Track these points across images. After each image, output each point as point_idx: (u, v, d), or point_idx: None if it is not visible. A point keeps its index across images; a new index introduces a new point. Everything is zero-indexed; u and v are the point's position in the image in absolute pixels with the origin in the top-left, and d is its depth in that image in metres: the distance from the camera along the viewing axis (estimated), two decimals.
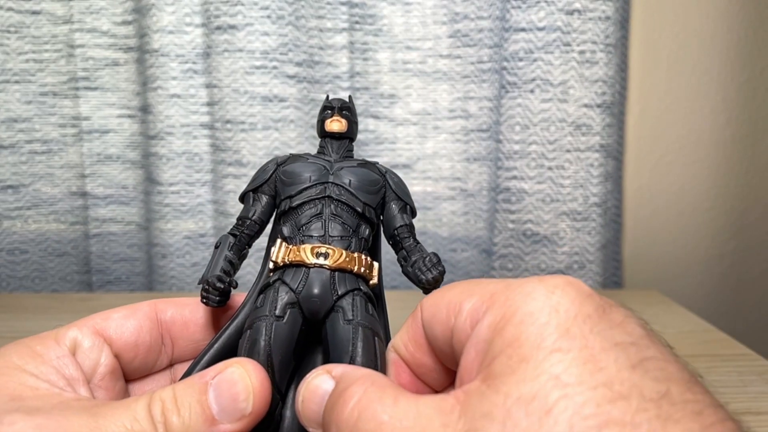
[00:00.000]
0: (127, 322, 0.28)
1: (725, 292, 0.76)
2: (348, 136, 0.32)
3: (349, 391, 0.21)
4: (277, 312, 0.26)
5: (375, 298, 0.28)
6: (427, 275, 0.28)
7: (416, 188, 0.71)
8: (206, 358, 0.27)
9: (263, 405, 0.23)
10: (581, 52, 0.63)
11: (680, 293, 0.74)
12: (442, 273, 0.28)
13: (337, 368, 0.23)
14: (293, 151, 0.70)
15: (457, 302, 0.22)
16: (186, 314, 0.29)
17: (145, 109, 0.68)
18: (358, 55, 0.69)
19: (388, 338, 0.28)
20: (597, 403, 0.16)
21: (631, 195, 0.74)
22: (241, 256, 0.29)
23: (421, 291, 0.29)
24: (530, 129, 0.65)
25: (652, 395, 0.16)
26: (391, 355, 0.26)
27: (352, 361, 0.25)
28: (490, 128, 0.68)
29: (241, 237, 0.29)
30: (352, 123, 0.32)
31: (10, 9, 0.68)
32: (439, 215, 0.72)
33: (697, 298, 0.75)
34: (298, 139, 0.67)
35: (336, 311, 0.26)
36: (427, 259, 0.29)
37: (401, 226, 0.30)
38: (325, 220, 0.28)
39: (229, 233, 0.29)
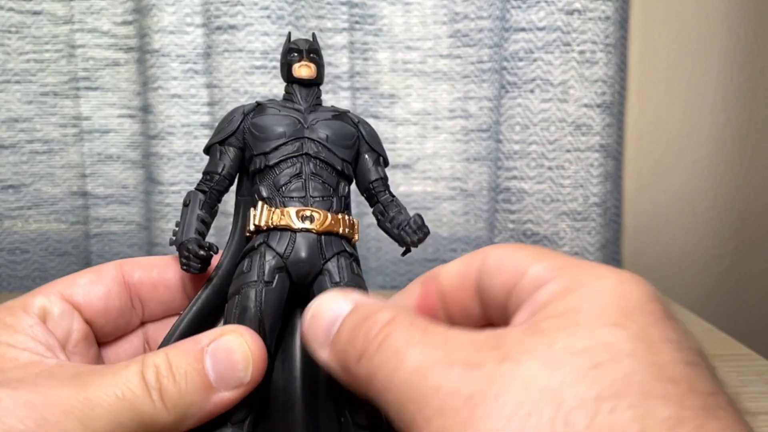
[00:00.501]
0: (94, 288, 0.27)
1: (725, 292, 0.76)
2: (316, 82, 0.30)
3: (376, 316, 0.20)
4: (266, 277, 0.26)
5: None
6: (413, 237, 0.28)
7: (416, 188, 0.71)
8: (185, 322, 0.26)
9: (261, 372, 0.23)
10: (581, 52, 0.63)
11: (680, 293, 0.75)
12: (426, 235, 0.28)
13: (353, 293, 0.23)
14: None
15: (524, 265, 0.21)
16: (154, 276, 0.28)
17: (145, 109, 0.68)
18: (358, 55, 0.69)
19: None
20: (646, 376, 0.16)
21: (631, 195, 0.74)
22: (212, 213, 0.28)
23: (400, 245, 0.29)
24: (530, 129, 0.65)
25: (701, 389, 0.16)
26: (416, 288, 0.24)
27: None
28: (490, 128, 0.68)
29: (211, 193, 0.28)
30: (320, 66, 0.30)
31: (11, 9, 0.68)
32: (439, 215, 0.72)
33: (697, 298, 0.75)
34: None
35: (323, 274, 0.26)
36: (413, 221, 0.28)
37: (376, 179, 0.29)
38: (305, 180, 0.27)
39: (197, 189, 0.28)
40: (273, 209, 0.27)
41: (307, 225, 0.26)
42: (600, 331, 0.17)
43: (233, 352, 0.22)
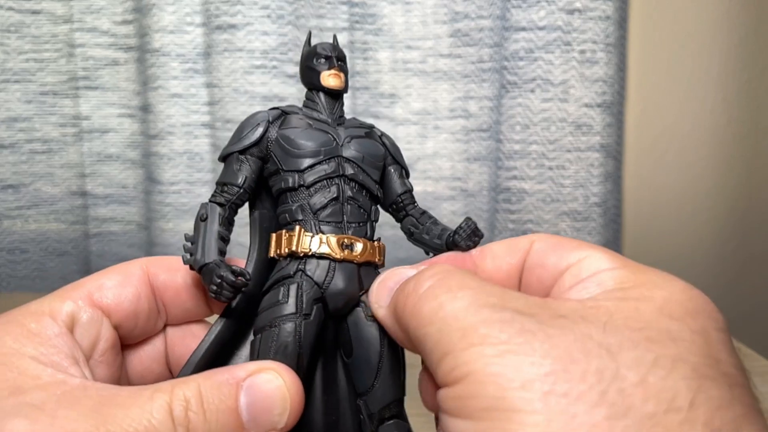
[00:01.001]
0: (124, 290, 0.26)
1: (725, 292, 0.75)
2: (344, 92, 0.28)
3: (435, 267, 0.21)
4: (305, 310, 0.24)
5: None
6: (468, 242, 0.26)
7: (417, 188, 0.71)
8: (207, 346, 0.25)
9: (296, 418, 0.22)
10: (582, 52, 0.63)
11: None
12: (481, 238, 0.26)
13: (422, 265, 0.23)
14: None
15: (584, 249, 0.22)
16: (178, 281, 0.27)
17: (145, 108, 0.68)
18: (359, 54, 0.69)
19: None
20: (702, 361, 0.17)
21: (631, 195, 0.74)
22: (230, 229, 0.26)
23: (430, 249, 0.27)
24: (531, 129, 0.65)
25: (748, 392, 0.17)
26: (447, 259, 0.26)
27: (381, 360, 0.24)
28: (491, 128, 0.68)
29: (230, 207, 0.26)
30: (347, 75, 0.28)
31: (10, 8, 0.68)
32: (440, 215, 0.72)
33: None
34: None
35: (359, 306, 0.25)
36: (465, 225, 0.26)
37: (404, 192, 0.28)
38: (342, 204, 0.25)
39: (214, 202, 0.26)
40: (311, 234, 0.25)
41: (347, 255, 0.25)
42: (662, 319, 0.18)
43: (271, 394, 0.21)
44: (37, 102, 0.70)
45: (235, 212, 0.26)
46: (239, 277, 0.24)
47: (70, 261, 0.73)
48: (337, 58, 0.28)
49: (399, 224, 0.29)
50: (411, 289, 0.21)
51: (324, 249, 0.25)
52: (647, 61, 0.71)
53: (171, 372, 0.28)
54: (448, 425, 0.19)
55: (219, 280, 0.24)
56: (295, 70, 0.66)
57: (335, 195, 0.25)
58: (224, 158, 0.27)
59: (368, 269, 0.26)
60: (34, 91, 0.70)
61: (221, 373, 0.21)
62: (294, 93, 0.66)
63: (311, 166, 0.25)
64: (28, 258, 0.72)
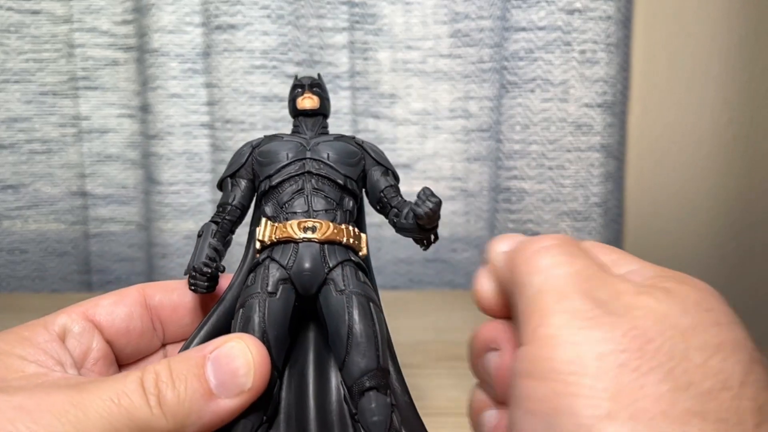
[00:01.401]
0: (117, 308, 0.27)
1: (726, 292, 0.75)
2: (321, 113, 0.31)
3: (552, 235, 0.22)
4: (270, 288, 0.25)
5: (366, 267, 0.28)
6: (423, 207, 0.27)
7: (417, 188, 0.71)
8: (195, 342, 0.26)
9: (263, 380, 0.23)
10: (582, 52, 0.63)
11: None
12: (439, 204, 0.27)
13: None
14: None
15: (612, 263, 0.23)
16: (174, 298, 0.29)
17: (144, 108, 0.68)
18: (359, 54, 0.69)
19: (380, 305, 0.27)
20: (754, 349, 0.19)
21: (632, 195, 0.74)
22: (226, 242, 0.29)
23: (416, 236, 0.28)
24: (531, 129, 0.65)
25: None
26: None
27: (350, 330, 0.25)
28: (491, 128, 0.68)
29: (224, 223, 0.29)
30: (324, 99, 0.31)
31: (10, 8, 0.68)
32: (440, 215, 0.72)
33: None
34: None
35: (327, 284, 0.26)
36: (421, 192, 0.27)
37: (386, 187, 0.29)
38: (307, 195, 0.28)
39: (210, 221, 0.29)
40: (276, 224, 0.27)
41: (309, 235, 0.26)
42: (722, 304, 0.20)
43: (235, 357, 0.22)
44: (36, 102, 0.70)
45: (231, 229, 0.29)
46: (210, 267, 0.27)
47: (70, 261, 0.73)
48: (311, 85, 0.31)
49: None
50: (534, 242, 0.22)
51: (286, 234, 0.26)
52: (648, 61, 0.71)
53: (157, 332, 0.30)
54: (519, 387, 0.19)
55: (193, 272, 0.27)
56: (296, 70, 0.66)
57: (299, 188, 0.28)
58: (220, 185, 0.30)
59: (333, 247, 0.27)
60: (34, 91, 0.70)
61: (191, 350, 0.23)
62: None
63: (278, 170, 0.28)
64: (27, 258, 0.72)
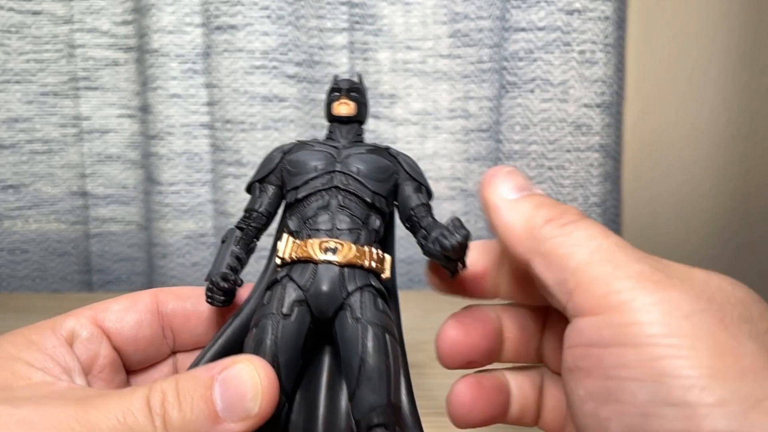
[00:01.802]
0: (127, 315, 0.27)
1: None
2: (357, 120, 0.30)
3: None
4: (284, 310, 0.25)
5: (387, 292, 0.27)
6: (451, 240, 0.25)
7: None
8: (209, 354, 0.25)
9: (270, 406, 0.22)
10: (581, 52, 0.63)
11: None
12: (467, 237, 0.25)
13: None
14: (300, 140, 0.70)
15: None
16: (188, 307, 0.28)
17: (145, 109, 0.68)
18: (358, 54, 0.69)
19: (400, 335, 0.27)
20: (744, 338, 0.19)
21: (630, 195, 0.74)
22: (249, 250, 0.28)
23: (442, 263, 0.26)
24: (530, 129, 0.65)
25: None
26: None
27: (362, 362, 0.24)
28: (490, 128, 0.68)
29: (248, 230, 0.28)
30: (362, 105, 0.30)
31: (11, 9, 0.68)
32: (440, 215, 0.71)
33: None
34: (298, 139, 0.67)
35: (344, 309, 0.25)
36: (450, 224, 0.26)
37: (417, 205, 0.28)
38: (332, 212, 0.26)
39: (235, 226, 0.28)
40: (297, 241, 0.26)
41: (329, 257, 0.25)
42: (750, 290, 0.21)
43: (243, 381, 0.22)
44: (37, 102, 0.70)
45: (256, 235, 0.28)
46: (228, 282, 0.26)
47: (71, 261, 0.73)
48: (348, 90, 0.30)
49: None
50: (561, 211, 0.22)
51: (306, 253, 0.25)
52: (646, 61, 0.71)
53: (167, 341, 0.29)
54: (600, 358, 0.19)
55: (210, 285, 0.26)
56: (296, 70, 0.66)
57: (324, 204, 0.27)
58: (248, 188, 0.29)
59: (353, 271, 0.26)
60: (35, 91, 0.70)
61: (199, 369, 0.22)
62: (294, 93, 0.66)
63: (306, 182, 0.27)
64: (28, 258, 0.72)
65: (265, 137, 0.66)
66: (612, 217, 0.70)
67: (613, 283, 0.19)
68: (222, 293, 0.26)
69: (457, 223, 0.26)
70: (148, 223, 0.71)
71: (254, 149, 0.66)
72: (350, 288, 0.25)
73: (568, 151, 0.65)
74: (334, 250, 0.25)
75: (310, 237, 0.26)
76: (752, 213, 0.74)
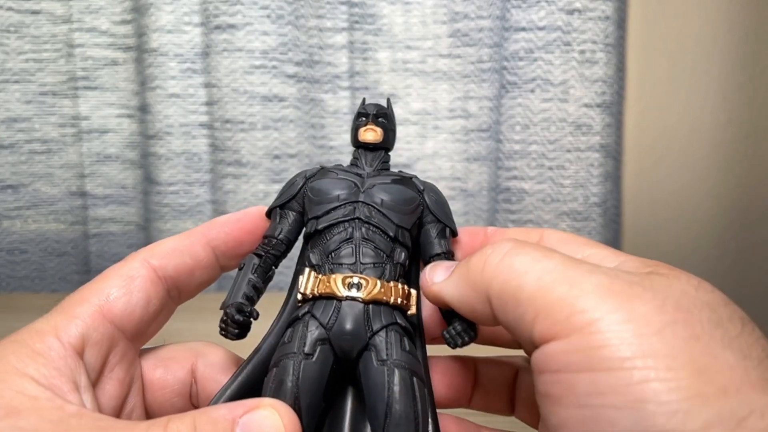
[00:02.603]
0: (132, 297, 0.25)
1: (726, 292, 0.75)
2: (383, 147, 0.29)
3: (500, 241, 0.22)
4: (306, 349, 0.23)
5: (413, 327, 0.26)
6: (456, 341, 0.25)
7: None
8: (228, 393, 0.24)
9: None
10: (581, 52, 0.63)
11: None
12: (473, 340, 0.25)
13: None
14: (292, 151, 0.70)
15: (584, 252, 0.23)
16: (188, 261, 0.27)
17: (143, 108, 0.68)
18: (358, 54, 0.69)
19: (427, 373, 0.25)
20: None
21: (631, 195, 0.74)
22: (267, 278, 0.27)
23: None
24: (530, 129, 0.65)
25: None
26: (464, 237, 0.28)
27: (388, 408, 0.23)
28: (491, 128, 0.68)
29: (267, 257, 0.27)
30: (389, 131, 0.29)
31: (9, 9, 0.68)
32: None
33: None
34: (297, 138, 0.67)
35: (369, 350, 0.24)
36: (458, 325, 0.25)
37: (438, 254, 0.27)
38: (355, 246, 0.25)
39: (253, 253, 0.27)
40: (320, 276, 0.25)
41: (353, 293, 0.24)
42: (715, 289, 0.20)
43: (266, 428, 0.20)
44: (36, 102, 0.70)
45: (275, 263, 0.27)
46: (243, 314, 0.25)
47: (70, 261, 0.73)
48: (375, 115, 0.29)
49: None
50: (489, 251, 0.21)
51: (328, 289, 0.24)
52: (647, 61, 0.71)
53: (194, 406, 0.28)
54: (573, 384, 0.18)
55: (225, 317, 0.25)
56: (296, 69, 0.66)
57: (347, 237, 0.26)
58: (269, 213, 0.28)
59: (378, 308, 0.24)
60: (34, 91, 0.70)
61: (219, 409, 0.21)
62: (294, 93, 0.66)
63: (327, 212, 0.26)
64: (27, 258, 0.72)
65: (265, 137, 0.66)
66: (612, 217, 0.70)
67: (575, 303, 0.18)
68: (236, 326, 0.25)
69: (464, 326, 0.25)
70: (146, 223, 0.71)
71: (254, 149, 0.66)
72: (375, 327, 0.24)
73: (569, 151, 0.65)
74: (359, 286, 0.24)
75: (332, 272, 0.25)
76: (753, 213, 0.74)
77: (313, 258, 0.26)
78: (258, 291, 0.26)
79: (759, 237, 0.74)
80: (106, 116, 0.71)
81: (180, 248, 0.27)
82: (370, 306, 0.24)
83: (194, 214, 0.69)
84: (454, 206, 0.71)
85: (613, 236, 0.71)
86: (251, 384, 0.25)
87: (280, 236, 0.27)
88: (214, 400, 0.24)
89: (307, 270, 0.26)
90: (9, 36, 0.68)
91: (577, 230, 0.66)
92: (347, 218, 0.26)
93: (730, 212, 0.74)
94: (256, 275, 0.26)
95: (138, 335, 0.26)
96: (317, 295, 0.25)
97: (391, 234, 0.26)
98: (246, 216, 0.28)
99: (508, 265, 0.20)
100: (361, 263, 0.25)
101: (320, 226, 0.26)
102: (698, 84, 0.72)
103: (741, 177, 0.73)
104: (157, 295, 0.26)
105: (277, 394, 0.23)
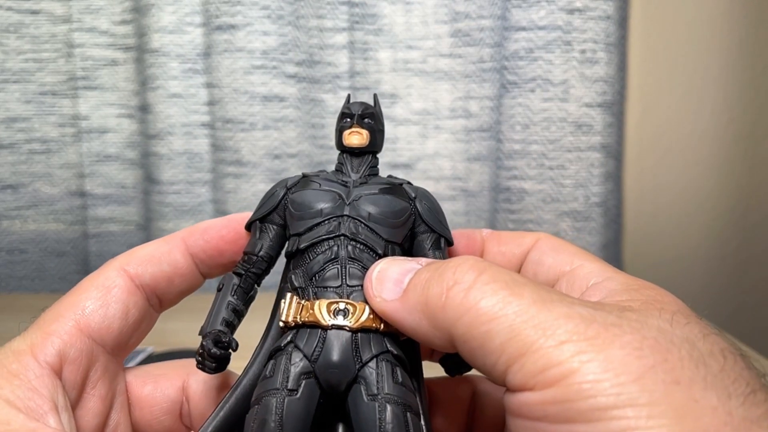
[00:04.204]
0: (109, 309, 0.24)
1: (727, 293, 0.75)
2: (370, 150, 0.26)
3: (462, 263, 0.20)
4: (289, 385, 0.21)
5: (406, 352, 0.23)
6: (453, 371, 0.24)
7: None
8: (211, 430, 0.23)
9: None
10: (582, 51, 0.63)
11: (681, 293, 0.74)
12: (468, 371, 0.24)
13: (423, 259, 0.22)
14: (293, 151, 0.70)
15: (573, 262, 0.23)
16: (166, 269, 0.25)
17: (145, 108, 0.68)
18: (359, 54, 0.69)
19: (423, 401, 0.23)
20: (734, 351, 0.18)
21: (632, 195, 0.74)
22: (248, 299, 0.25)
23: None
24: (531, 128, 0.65)
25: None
26: (461, 239, 0.26)
27: None
28: (491, 128, 0.68)
29: (247, 277, 0.25)
30: (376, 132, 0.26)
31: (9, 8, 0.68)
32: None
33: (698, 299, 0.75)
34: (298, 138, 0.67)
35: (358, 383, 0.22)
36: (455, 364, 0.24)
37: None
38: (341, 266, 0.23)
39: (233, 272, 0.25)
40: (302, 302, 0.23)
41: (339, 321, 0.22)
42: (691, 318, 0.19)
43: None
44: (36, 102, 0.70)
45: (256, 281, 0.25)
46: (220, 347, 0.23)
47: (69, 261, 0.73)
48: (361, 116, 0.26)
49: None
50: (451, 282, 0.19)
51: (312, 317, 0.22)
52: (648, 60, 0.71)
53: (186, 427, 0.27)
54: (538, 431, 0.17)
55: (201, 350, 0.23)
56: (296, 70, 0.66)
57: (332, 257, 0.23)
58: (248, 227, 0.26)
59: (368, 336, 0.22)
60: (33, 91, 0.69)
61: None
62: (294, 93, 0.66)
63: (309, 228, 0.24)
64: (27, 258, 0.72)
65: (265, 137, 0.66)
66: (613, 218, 0.70)
67: (550, 355, 0.17)
68: (213, 360, 0.23)
69: (457, 361, 0.24)
70: (147, 223, 0.71)
71: (254, 149, 0.66)
72: (365, 357, 0.22)
73: (569, 150, 0.65)
74: (345, 313, 0.22)
75: (317, 296, 0.23)
76: (754, 212, 0.74)
77: (296, 280, 0.23)
78: (239, 314, 0.24)
79: (760, 237, 0.75)
80: (105, 116, 0.71)
81: (158, 255, 0.25)
82: (359, 334, 0.22)
83: (196, 213, 0.69)
84: (455, 206, 0.71)
85: (613, 236, 0.71)
86: (237, 417, 0.23)
87: (261, 253, 0.25)
88: (209, 420, 0.23)
89: (288, 295, 0.23)
90: (9, 36, 0.68)
91: (578, 230, 0.66)
92: (331, 235, 0.24)
93: (731, 212, 0.74)
94: (236, 297, 0.24)
95: (119, 348, 0.24)
96: (300, 323, 0.22)
97: (380, 251, 0.24)
98: (229, 224, 0.26)
99: (473, 305, 0.19)
100: (348, 285, 0.23)
101: (302, 245, 0.24)
102: (699, 84, 0.72)
103: (742, 176, 0.74)
104: (136, 305, 0.24)
105: None
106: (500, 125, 0.67)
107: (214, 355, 0.22)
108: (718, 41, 0.71)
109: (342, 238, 0.23)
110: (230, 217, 0.27)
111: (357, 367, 0.22)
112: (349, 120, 0.26)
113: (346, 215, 0.24)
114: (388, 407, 0.21)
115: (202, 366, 0.23)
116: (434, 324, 0.20)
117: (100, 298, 0.24)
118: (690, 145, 0.73)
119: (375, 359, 0.22)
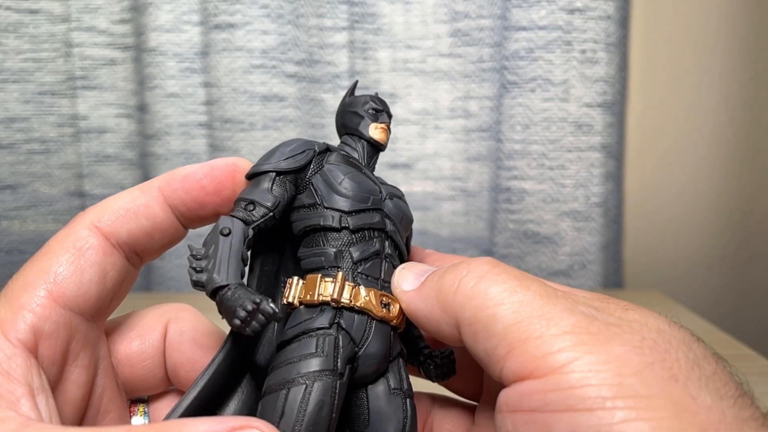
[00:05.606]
0: (84, 275, 0.21)
1: (727, 292, 0.75)
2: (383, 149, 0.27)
3: (476, 261, 0.21)
4: (339, 368, 0.20)
5: None
6: (436, 372, 0.24)
7: (417, 188, 0.71)
8: (196, 393, 0.21)
9: None
10: (582, 51, 0.63)
11: (681, 293, 0.74)
12: (453, 375, 0.25)
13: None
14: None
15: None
16: (144, 224, 0.23)
17: (142, 108, 0.68)
18: (358, 54, 0.68)
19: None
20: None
21: (632, 195, 0.74)
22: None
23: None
24: (531, 128, 0.65)
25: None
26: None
27: None
28: (491, 128, 0.68)
29: (253, 230, 0.22)
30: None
31: (8, 8, 0.67)
32: (440, 215, 0.71)
33: (699, 299, 0.75)
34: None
35: (384, 376, 0.22)
36: (440, 356, 0.24)
37: None
38: (382, 260, 0.23)
39: (239, 218, 0.22)
40: (354, 286, 0.22)
41: (385, 314, 0.22)
42: (683, 326, 0.20)
43: None
44: (35, 102, 0.69)
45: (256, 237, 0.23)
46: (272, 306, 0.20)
47: None
48: (389, 114, 0.26)
49: None
50: (464, 272, 0.20)
51: (365, 304, 0.21)
52: (648, 60, 0.71)
53: (170, 380, 0.25)
54: (539, 423, 0.17)
55: (253, 306, 0.19)
56: (295, 69, 0.65)
57: (377, 249, 0.23)
58: (254, 175, 0.23)
59: (396, 333, 0.23)
60: (32, 90, 0.69)
61: (207, 423, 0.17)
62: (293, 93, 0.66)
63: (357, 211, 0.22)
64: (26, 258, 0.71)
65: (265, 137, 0.65)
66: (613, 218, 0.70)
67: (551, 343, 0.17)
68: (264, 321, 0.19)
69: (446, 360, 0.24)
70: None
71: (253, 149, 0.65)
72: (394, 352, 0.22)
73: (570, 150, 0.65)
74: (389, 307, 0.22)
75: (357, 282, 0.22)
76: (754, 212, 0.74)
77: (338, 260, 0.22)
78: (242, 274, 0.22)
79: (760, 237, 0.74)
80: (104, 116, 0.70)
81: (134, 209, 0.23)
82: (394, 330, 0.22)
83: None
84: (455, 206, 0.71)
85: (613, 236, 0.71)
86: (221, 383, 0.22)
87: (276, 210, 0.22)
88: (182, 399, 0.21)
89: (340, 274, 0.22)
90: (7, 35, 0.68)
91: (578, 230, 0.66)
92: (377, 227, 0.23)
93: (732, 212, 0.74)
94: (246, 248, 0.21)
95: (99, 313, 0.22)
96: (347, 305, 0.21)
97: (405, 256, 0.24)
98: (211, 172, 0.23)
99: (482, 291, 0.19)
100: (383, 281, 0.22)
101: (352, 226, 0.22)
102: (700, 84, 0.72)
103: (742, 176, 0.73)
104: (114, 266, 0.22)
105: (315, 419, 0.19)
106: (500, 125, 0.66)
107: (267, 313, 0.19)
108: (719, 41, 0.71)
109: (384, 233, 0.23)
110: (211, 163, 0.24)
111: (390, 360, 0.22)
112: (376, 113, 0.26)
113: (384, 211, 0.23)
114: (408, 402, 0.22)
115: (245, 323, 0.19)
116: (444, 309, 0.20)
117: (73, 262, 0.21)
118: (690, 145, 0.73)
119: (398, 357, 0.23)
